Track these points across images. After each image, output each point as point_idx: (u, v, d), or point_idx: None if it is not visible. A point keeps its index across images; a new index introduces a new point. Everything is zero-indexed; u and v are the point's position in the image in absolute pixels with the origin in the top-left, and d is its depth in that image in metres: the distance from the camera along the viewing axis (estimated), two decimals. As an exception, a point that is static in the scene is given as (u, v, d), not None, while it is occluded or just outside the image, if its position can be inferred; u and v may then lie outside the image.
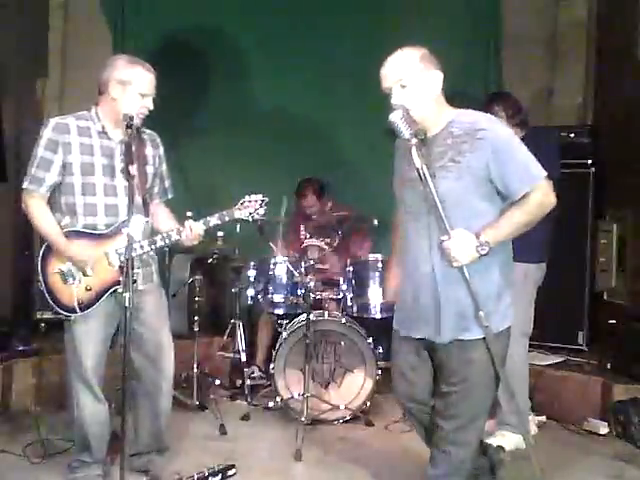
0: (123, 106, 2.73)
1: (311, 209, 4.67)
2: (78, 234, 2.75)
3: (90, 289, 2.75)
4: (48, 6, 4.92)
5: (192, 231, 2.81)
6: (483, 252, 2.25)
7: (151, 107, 2.79)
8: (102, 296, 2.77)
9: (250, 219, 2.88)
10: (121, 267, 2.74)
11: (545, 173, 2.31)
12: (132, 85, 2.74)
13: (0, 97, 4.20)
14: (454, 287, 2.36)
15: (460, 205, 2.29)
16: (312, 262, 4.00)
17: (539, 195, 2.29)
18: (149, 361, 2.91)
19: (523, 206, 2.29)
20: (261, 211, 2.88)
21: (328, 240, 4.52)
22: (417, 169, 2.25)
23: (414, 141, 2.25)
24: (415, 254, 2.45)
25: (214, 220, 2.85)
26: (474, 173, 2.28)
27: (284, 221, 4.18)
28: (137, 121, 2.72)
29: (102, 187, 2.78)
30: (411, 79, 2.31)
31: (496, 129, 2.32)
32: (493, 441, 3.37)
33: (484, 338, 2.36)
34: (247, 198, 2.89)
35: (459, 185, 2.29)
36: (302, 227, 4.65)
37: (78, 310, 2.73)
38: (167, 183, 3.10)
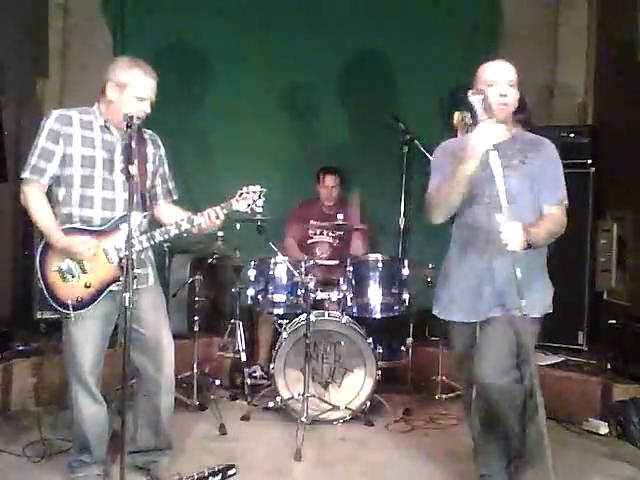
0: (119, 109, 2.71)
1: (331, 190, 4.74)
2: (75, 231, 2.73)
3: (89, 286, 2.73)
4: (48, 6, 4.93)
5: (211, 215, 2.81)
6: (531, 243, 2.46)
7: (148, 111, 2.77)
8: (102, 293, 2.75)
9: (249, 211, 2.86)
10: (120, 263, 2.73)
11: (567, 202, 2.65)
12: (129, 88, 2.72)
13: (0, 97, 4.20)
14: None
15: (517, 201, 2.49)
16: (320, 259, 4.02)
17: (561, 213, 2.64)
18: (149, 360, 2.88)
19: (553, 218, 2.60)
20: (259, 202, 2.85)
21: (335, 235, 4.63)
22: (488, 150, 2.39)
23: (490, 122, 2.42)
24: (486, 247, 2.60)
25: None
26: (533, 177, 2.60)
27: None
28: (136, 121, 2.69)
29: (101, 181, 2.76)
30: (515, 85, 2.63)
31: (553, 148, 2.68)
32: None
33: None
34: (245, 189, 2.86)
35: (521, 183, 2.56)
36: (311, 220, 4.68)
37: (78, 308, 2.71)
38: (171, 185, 3.08)
